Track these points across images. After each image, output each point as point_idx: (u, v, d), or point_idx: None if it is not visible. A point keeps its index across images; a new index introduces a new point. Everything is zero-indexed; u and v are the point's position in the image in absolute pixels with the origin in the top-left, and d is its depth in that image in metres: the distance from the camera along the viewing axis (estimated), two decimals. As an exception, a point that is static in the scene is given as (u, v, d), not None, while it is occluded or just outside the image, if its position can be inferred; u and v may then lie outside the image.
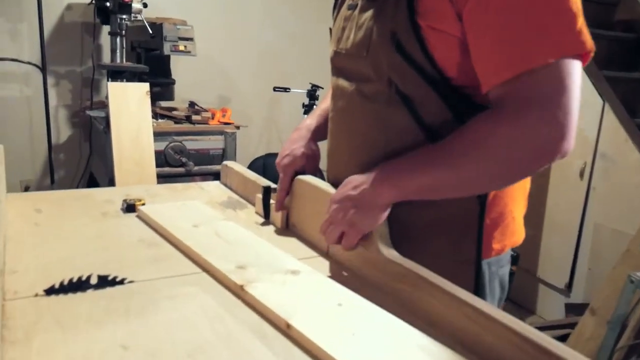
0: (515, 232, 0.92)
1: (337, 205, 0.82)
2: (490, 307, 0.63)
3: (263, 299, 0.70)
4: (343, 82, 0.90)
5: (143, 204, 1.10)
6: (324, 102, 1.10)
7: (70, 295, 0.71)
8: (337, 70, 0.93)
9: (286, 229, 1.05)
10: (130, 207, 1.08)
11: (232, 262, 0.81)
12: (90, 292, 0.72)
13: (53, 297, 0.70)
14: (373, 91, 0.84)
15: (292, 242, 0.98)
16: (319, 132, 1.06)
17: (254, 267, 0.80)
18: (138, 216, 1.06)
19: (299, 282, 0.77)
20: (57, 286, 0.72)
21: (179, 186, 1.32)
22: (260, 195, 1.10)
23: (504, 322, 0.60)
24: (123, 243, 0.92)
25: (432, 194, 0.79)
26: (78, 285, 0.73)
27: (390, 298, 0.75)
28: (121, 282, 0.75)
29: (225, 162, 1.37)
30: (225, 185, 1.35)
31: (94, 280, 0.74)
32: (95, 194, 1.22)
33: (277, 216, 1.05)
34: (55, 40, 2.74)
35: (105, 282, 0.74)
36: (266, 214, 1.08)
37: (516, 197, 0.91)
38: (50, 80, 2.77)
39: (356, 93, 0.86)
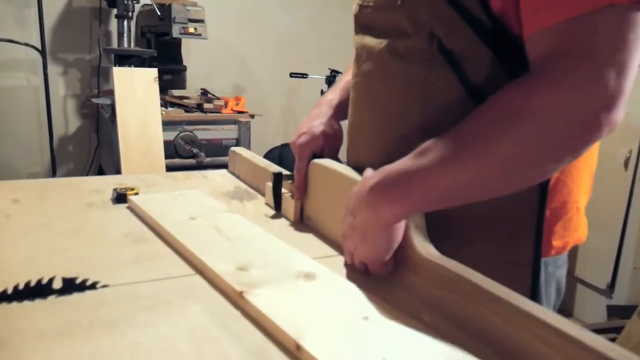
0: (579, 227, 0.75)
1: (345, 234, 0.69)
2: (573, 327, 0.46)
3: (267, 310, 0.54)
4: (370, 40, 0.73)
5: (136, 194, 0.95)
6: (348, 74, 0.94)
7: (25, 304, 0.56)
8: (362, 27, 0.77)
9: (300, 222, 0.89)
10: (120, 197, 0.94)
11: (231, 262, 0.66)
12: (51, 299, 0.57)
13: (2, 306, 0.55)
14: (408, 48, 0.67)
15: (307, 238, 0.82)
16: (342, 109, 0.90)
17: (258, 269, 0.65)
18: (129, 207, 0.91)
19: (314, 288, 0.61)
20: (9, 291, 0.57)
21: (179, 175, 1.17)
22: (270, 184, 0.95)
23: (597, 348, 0.43)
24: (104, 239, 0.77)
25: (455, 200, 0.60)
26: (36, 291, 0.58)
27: (431, 309, 0.59)
28: (92, 286, 0.60)
29: (233, 148, 1.22)
30: (233, 174, 1.19)
31: (57, 284, 0.59)
32: (84, 182, 1.07)
33: (289, 207, 0.90)
34: (63, 27, 2.62)
35: (71, 286, 0.59)
36: (277, 205, 0.92)
37: (581, 183, 0.73)
38: (58, 69, 2.66)
39: (386, 52, 0.70)
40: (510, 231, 0.69)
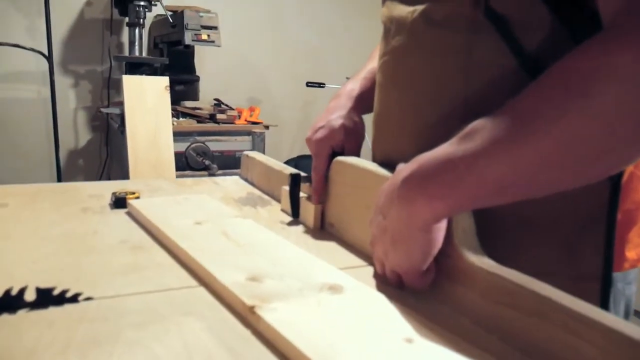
0: None
1: (374, 239, 0.58)
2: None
3: (285, 329, 0.43)
4: (401, 9, 0.63)
5: (137, 198, 0.86)
6: (371, 61, 0.84)
7: (-11, 320, 0.46)
8: None
9: (321, 230, 0.78)
10: (119, 202, 0.84)
11: (241, 272, 0.55)
12: (21, 313, 0.47)
13: (-40, 323, 0.45)
14: (447, 15, 0.56)
15: (330, 247, 0.71)
16: (363, 100, 0.80)
17: (273, 280, 0.54)
18: (128, 213, 0.81)
19: (341, 302, 0.50)
20: (-29, 305, 0.47)
21: (188, 181, 1.07)
22: (286, 188, 0.84)
23: None
24: (96, 246, 0.67)
25: (510, 194, 0.48)
26: (3, 303, 0.48)
27: (488, 330, 0.47)
28: (73, 298, 0.50)
29: (245, 152, 1.12)
30: (246, 180, 1.09)
31: (30, 296, 0.49)
32: (83, 187, 0.98)
33: (308, 213, 0.79)
34: (74, 38, 2.57)
35: (47, 298, 0.49)
36: (294, 211, 0.81)
37: None
38: (69, 81, 2.60)
39: (421, 20, 0.59)
40: (573, 237, 0.58)
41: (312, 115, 3.08)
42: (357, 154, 0.78)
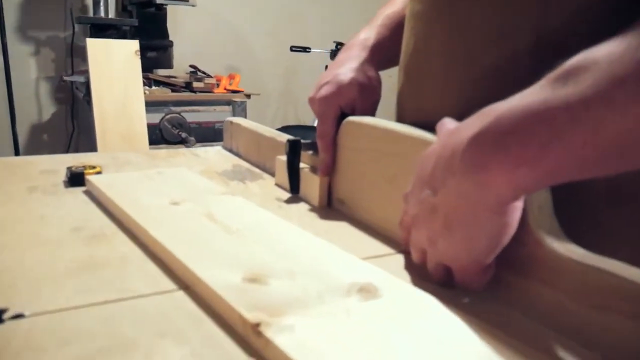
0: None
1: (414, 221, 0.43)
2: None
3: (305, 357, 0.29)
4: None
5: (99, 173, 0.70)
6: (390, 6, 0.68)
7: None
8: None
9: (328, 207, 0.64)
10: (75, 178, 0.68)
11: (236, 269, 0.41)
12: None
13: None
14: None
15: (342, 229, 0.57)
16: (380, 52, 0.64)
17: (281, 280, 0.39)
18: (87, 192, 0.66)
19: (379, 311, 0.36)
20: None
21: (161, 152, 0.91)
22: (282, 158, 0.69)
23: None
24: (40, 236, 0.51)
25: (631, 160, 0.32)
26: None
27: (585, 344, 0.34)
28: (-4, 318, 0.34)
29: (229, 119, 0.96)
30: (230, 150, 0.94)
31: None
32: (35, 162, 0.81)
33: (312, 187, 0.64)
34: (36, 3, 2.34)
35: (-46, 320, 0.33)
36: (293, 186, 0.66)
37: None
38: (28, 49, 2.37)
39: None
40: None
41: (297, 82, 2.90)
42: (372, 113, 0.63)
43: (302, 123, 2.84)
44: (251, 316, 0.34)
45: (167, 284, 0.42)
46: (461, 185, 0.36)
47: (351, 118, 0.59)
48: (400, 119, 0.57)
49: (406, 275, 0.45)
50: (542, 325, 0.37)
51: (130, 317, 0.36)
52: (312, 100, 0.64)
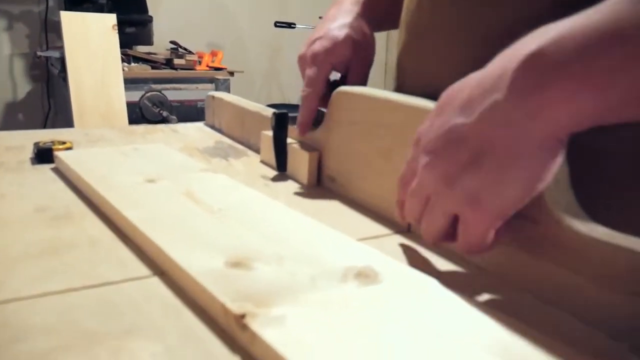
0: None
1: (428, 157, 0.35)
2: None
3: (300, 354, 0.25)
4: None
5: (69, 149, 0.64)
6: None
7: None
8: None
9: (317, 186, 0.59)
10: (43, 154, 0.63)
11: (218, 253, 0.36)
12: None
13: None
14: None
15: (334, 208, 0.53)
16: (373, 9, 0.60)
17: (269, 265, 0.35)
18: (56, 169, 0.60)
19: (380, 298, 0.32)
20: None
21: (138, 128, 0.86)
22: (268, 133, 0.65)
23: None
24: (2, 216, 0.46)
25: None
26: None
27: (613, 336, 0.30)
28: (-64, 311, 0.30)
29: (211, 93, 0.91)
30: (212, 127, 0.89)
31: None
32: (1, 137, 0.75)
33: (300, 164, 0.60)
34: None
35: None
36: (280, 162, 0.62)
37: None
38: (2, 24, 2.27)
39: None
40: None
41: (281, 59, 2.83)
42: (364, 79, 0.58)
43: (287, 102, 2.78)
44: (235, 306, 0.29)
45: (140, 269, 0.37)
46: (505, 110, 0.31)
47: (342, 88, 0.55)
48: (399, 82, 0.53)
49: (404, 258, 0.41)
50: (559, 311, 0.33)
51: (94, 308, 0.32)
52: (302, 58, 0.59)
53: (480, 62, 0.35)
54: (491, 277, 0.38)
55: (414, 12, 0.50)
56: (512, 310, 0.31)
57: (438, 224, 0.35)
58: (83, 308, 0.31)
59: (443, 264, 0.40)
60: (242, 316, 0.29)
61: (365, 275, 0.34)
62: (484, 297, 0.35)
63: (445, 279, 0.34)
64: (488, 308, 0.31)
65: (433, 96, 0.45)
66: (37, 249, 0.39)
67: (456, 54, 0.44)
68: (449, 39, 0.45)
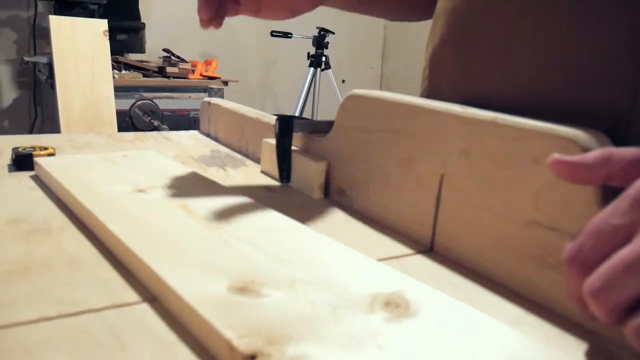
0: None
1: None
2: None
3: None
4: None
5: (51, 154, 0.59)
6: None
7: None
8: None
9: (325, 199, 0.54)
10: (22, 160, 0.57)
11: (220, 275, 0.31)
12: None
13: None
14: None
15: (343, 224, 0.47)
16: None
17: (280, 290, 0.29)
18: (36, 177, 0.55)
19: (419, 336, 0.26)
20: None
21: (129, 135, 0.80)
22: (270, 140, 0.60)
23: None
24: (-34, 228, 0.40)
25: None
26: None
27: None
28: None
29: (206, 99, 0.86)
30: (208, 135, 0.83)
31: None
32: (-23, 143, 0.69)
33: (307, 174, 0.54)
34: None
35: None
36: (283, 173, 0.57)
37: None
38: (-13, 29, 2.21)
39: None
40: None
41: (276, 69, 2.79)
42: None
43: (281, 112, 2.74)
44: (243, 343, 0.24)
45: (127, 294, 0.31)
46: None
47: (356, 91, 0.50)
48: (433, 81, 0.48)
49: (429, 281, 0.36)
50: (625, 351, 0.28)
51: (70, 341, 0.26)
52: None
53: (543, 60, 0.30)
54: (546, 311, 0.33)
55: (461, 1, 0.44)
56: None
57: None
58: (56, 341, 0.26)
59: (477, 291, 0.35)
60: (253, 357, 0.23)
61: (395, 304, 0.29)
62: (543, 332, 0.30)
63: (488, 311, 0.29)
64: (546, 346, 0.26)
65: (478, 96, 0.40)
66: (7, 268, 0.33)
67: (516, 52, 0.39)
68: (507, 34, 0.40)
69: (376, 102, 0.47)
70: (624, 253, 0.24)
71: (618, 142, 0.34)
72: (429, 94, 0.50)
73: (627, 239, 0.24)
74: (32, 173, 0.55)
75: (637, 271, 0.23)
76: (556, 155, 0.29)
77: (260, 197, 0.53)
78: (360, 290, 0.30)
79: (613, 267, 0.24)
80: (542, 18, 0.38)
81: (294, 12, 0.54)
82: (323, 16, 2.61)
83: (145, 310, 0.30)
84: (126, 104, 1.82)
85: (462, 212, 0.39)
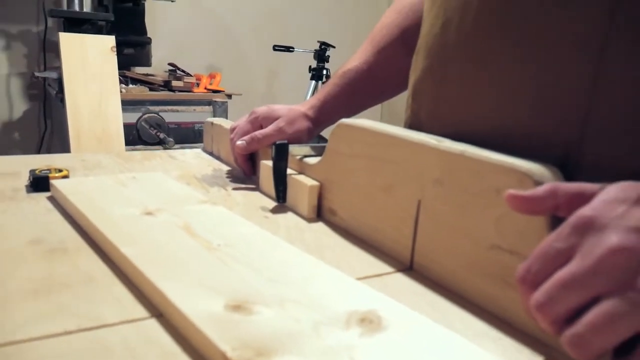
0: None
1: (625, 238, 0.27)
2: None
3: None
4: None
5: (65, 177, 0.63)
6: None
7: None
8: None
9: (317, 218, 0.58)
10: (39, 182, 0.62)
11: (217, 294, 0.35)
12: None
13: None
14: None
15: (334, 244, 0.52)
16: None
17: (270, 308, 0.34)
18: (52, 198, 0.59)
19: (388, 350, 0.31)
20: None
21: (136, 155, 0.85)
22: (268, 162, 0.64)
23: None
24: (-7, 249, 0.45)
25: None
26: None
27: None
28: None
29: (209, 119, 0.91)
30: (211, 153, 0.88)
31: None
32: (-5, 164, 0.74)
33: (300, 196, 0.59)
34: (6, -7, 2.24)
35: None
36: (280, 193, 0.61)
37: None
38: (0, 44, 2.27)
39: None
40: None
41: (279, 82, 2.84)
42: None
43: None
44: (235, 355, 0.28)
45: (137, 310, 0.36)
46: None
47: (345, 121, 0.54)
48: (415, 109, 0.52)
49: (407, 299, 0.40)
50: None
51: (90, 353, 0.30)
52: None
53: (511, 87, 0.34)
54: (506, 325, 0.37)
55: (438, 37, 0.49)
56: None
57: (615, 338, 0.26)
58: (77, 353, 0.30)
59: (449, 307, 0.39)
60: (244, 367, 0.28)
61: (369, 321, 0.33)
62: (502, 345, 0.34)
63: (456, 326, 0.33)
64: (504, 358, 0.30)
65: (456, 123, 0.44)
66: (31, 286, 0.38)
67: (486, 79, 0.44)
68: (478, 64, 0.45)
69: (361, 131, 0.51)
70: (563, 272, 0.28)
71: (571, 170, 0.39)
72: (411, 122, 0.54)
73: (567, 260, 0.29)
74: (48, 194, 0.60)
75: (572, 287, 0.28)
76: (511, 191, 0.33)
77: (258, 217, 0.57)
78: (340, 308, 0.34)
79: (553, 284, 0.28)
80: (503, 57, 0.43)
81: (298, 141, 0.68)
82: (324, 30, 2.66)
83: (153, 325, 0.34)
84: (133, 117, 1.87)
85: (438, 234, 0.43)
